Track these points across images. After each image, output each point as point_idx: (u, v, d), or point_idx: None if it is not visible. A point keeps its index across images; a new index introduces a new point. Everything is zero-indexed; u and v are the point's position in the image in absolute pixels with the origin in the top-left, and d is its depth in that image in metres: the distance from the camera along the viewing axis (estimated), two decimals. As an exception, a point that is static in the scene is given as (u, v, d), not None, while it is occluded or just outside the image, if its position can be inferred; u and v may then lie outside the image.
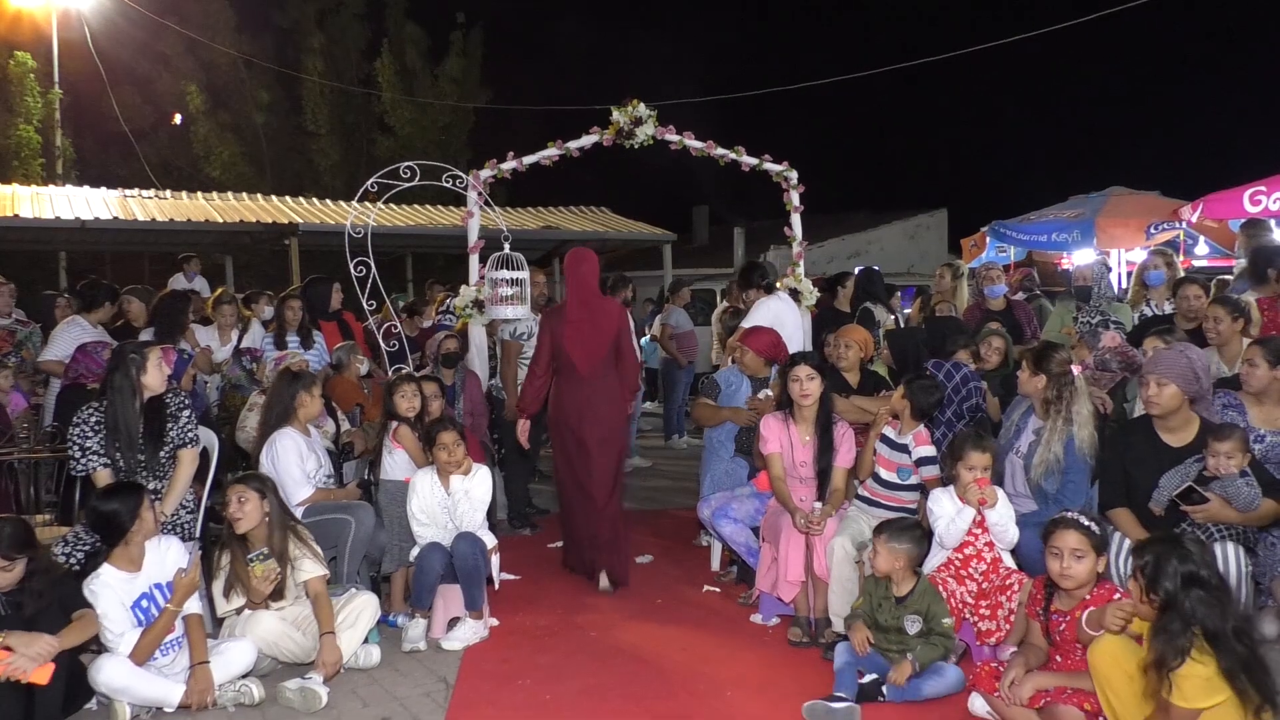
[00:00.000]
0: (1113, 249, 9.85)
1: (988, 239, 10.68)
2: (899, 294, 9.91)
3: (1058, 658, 3.57)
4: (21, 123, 18.70)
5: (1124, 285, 8.49)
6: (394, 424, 5.31)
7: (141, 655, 3.84)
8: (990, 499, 4.12)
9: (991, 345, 5.76)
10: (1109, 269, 6.98)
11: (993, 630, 4.07)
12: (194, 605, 4.06)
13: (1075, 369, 4.61)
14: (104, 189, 14.55)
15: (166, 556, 4.06)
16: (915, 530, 4.11)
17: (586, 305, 5.48)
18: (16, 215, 11.99)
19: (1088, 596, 3.47)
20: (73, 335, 6.25)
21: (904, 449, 4.75)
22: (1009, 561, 4.24)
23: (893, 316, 7.25)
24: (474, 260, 7.14)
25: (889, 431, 4.85)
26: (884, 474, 4.80)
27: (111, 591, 3.88)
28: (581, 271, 5.54)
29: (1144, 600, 3.07)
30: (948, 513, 4.20)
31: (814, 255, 20.15)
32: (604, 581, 5.45)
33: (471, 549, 4.76)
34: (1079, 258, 9.75)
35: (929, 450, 4.72)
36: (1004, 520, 4.14)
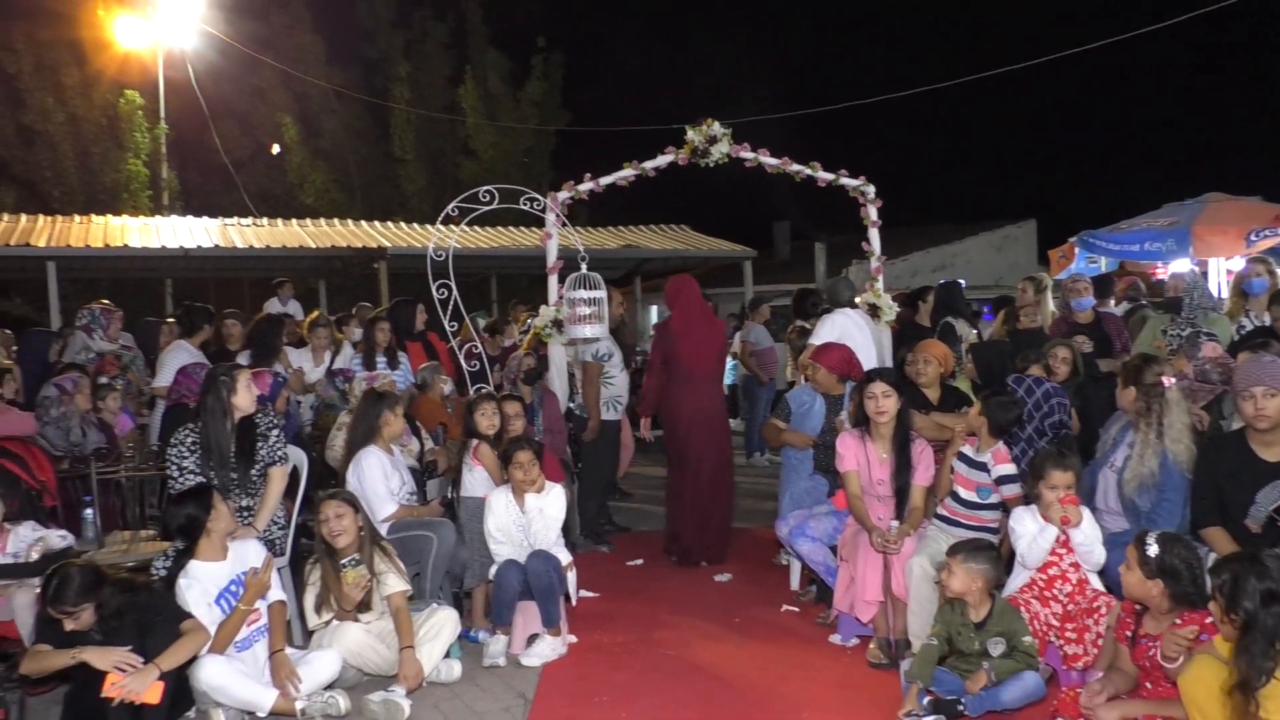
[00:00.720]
0: (1210, 258, 9.46)
1: (1076, 250, 10.35)
2: (983, 308, 9.72)
3: (1148, 684, 3.45)
4: (131, 157, 19.71)
5: (1222, 295, 8.16)
6: (474, 442, 5.43)
7: (219, 646, 4.00)
8: (1074, 518, 4.01)
9: (1058, 357, 5.59)
10: (1204, 278, 6.70)
11: (1079, 654, 3.95)
12: (277, 592, 4.24)
13: (1167, 381, 4.44)
14: (206, 218, 15.21)
15: (248, 554, 4.25)
16: (992, 551, 4.03)
17: (696, 320, 6.50)
18: (126, 245, 12.62)
19: (1178, 621, 3.35)
20: (179, 360, 6.54)
21: (983, 467, 4.64)
22: (1096, 583, 4.11)
23: (975, 331, 7.09)
24: (553, 280, 7.26)
25: (967, 449, 4.75)
26: (963, 493, 4.70)
27: (199, 585, 4.07)
28: (685, 295, 6.62)
29: (1225, 620, 2.96)
30: (1030, 531, 4.10)
31: (897, 269, 19.88)
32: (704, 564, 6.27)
33: (545, 566, 4.83)
34: (1174, 268, 9.41)
35: (1009, 468, 4.59)
36: (1089, 540, 4.02)
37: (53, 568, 3.78)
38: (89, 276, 15.64)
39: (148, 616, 3.86)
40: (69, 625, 3.71)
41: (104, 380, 6.80)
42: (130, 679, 3.58)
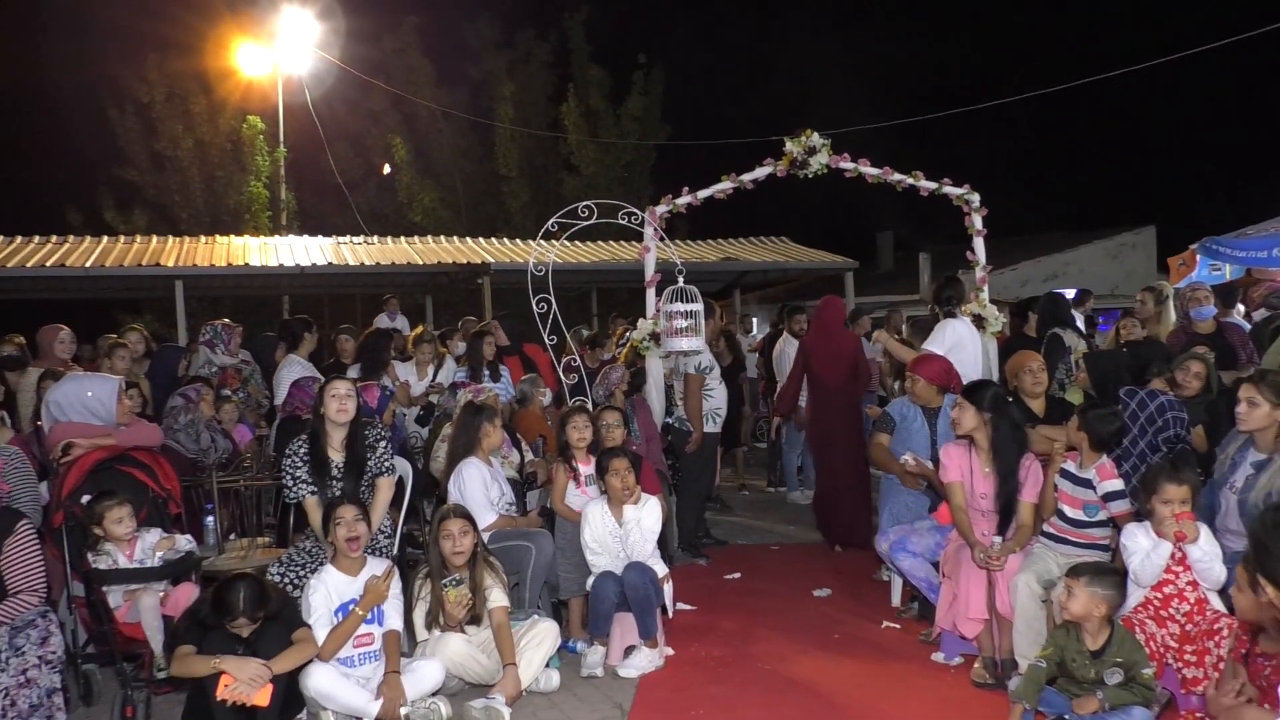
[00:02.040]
0: (1346, 263, 8.93)
1: (1198, 257, 9.89)
2: (1099, 319, 9.36)
3: (1265, 706, 3.26)
4: (252, 180, 20.75)
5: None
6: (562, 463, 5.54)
7: (327, 652, 4.14)
8: (1190, 533, 3.82)
9: (1190, 371, 5.31)
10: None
11: (1199, 678, 3.76)
12: (395, 622, 4.35)
13: None
14: (320, 237, 15.85)
15: (374, 570, 4.39)
16: (1117, 576, 3.83)
17: (829, 338, 7.40)
18: (247, 264, 13.26)
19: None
20: (292, 374, 6.84)
21: (1087, 484, 4.45)
22: (1216, 604, 3.91)
23: (1083, 341, 6.81)
24: (650, 294, 7.32)
25: (1070, 465, 4.57)
26: (1069, 510, 4.52)
27: (326, 590, 4.27)
28: (822, 315, 7.58)
29: None
30: (1143, 548, 3.92)
31: (1006, 279, 19.33)
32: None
33: (641, 578, 4.85)
34: (1306, 274, 8.89)
35: (1116, 484, 4.39)
36: (1208, 557, 3.82)
37: (221, 581, 3.90)
38: (213, 294, 16.47)
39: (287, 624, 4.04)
40: (244, 633, 3.85)
41: (225, 393, 7.14)
42: (238, 684, 3.71)
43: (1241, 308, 7.95)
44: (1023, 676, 3.87)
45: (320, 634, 4.15)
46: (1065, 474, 4.55)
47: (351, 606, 4.24)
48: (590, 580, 5.02)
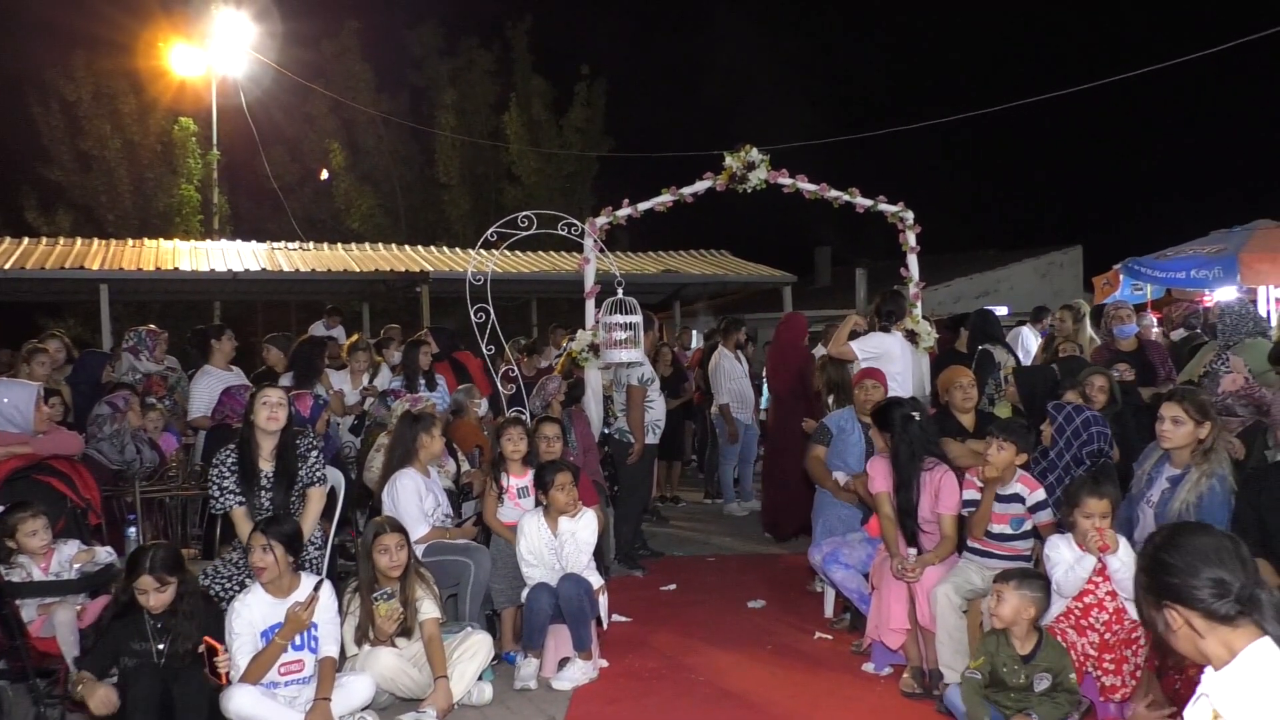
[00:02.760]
0: (1259, 285, 9.29)
1: (1121, 277, 10.21)
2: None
3: (1175, 710, 3.37)
4: (183, 182, 20.27)
5: (1271, 323, 7.98)
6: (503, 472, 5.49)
7: (250, 678, 4.01)
8: (1112, 544, 3.93)
9: (1094, 385, 5.48)
10: (1248, 305, 6.53)
11: (1117, 686, 3.87)
12: (330, 648, 4.21)
13: None
14: (254, 242, 15.54)
15: (299, 592, 4.26)
16: (1044, 580, 3.95)
17: (780, 350, 8.00)
18: (177, 268, 12.94)
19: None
20: (204, 386, 6.72)
21: (1012, 499, 4.56)
22: (1134, 613, 4.01)
23: (1012, 358, 6.98)
24: (590, 305, 7.31)
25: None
26: (995, 527, 4.61)
27: (250, 612, 4.11)
28: (780, 331, 8.22)
29: None
30: (1066, 560, 4.02)
31: (940, 295, 19.73)
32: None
33: (576, 590, 4.83)
34: (1220, 295, 9.23)
35: (1040, 495, 4.52)
36: (1125, 568, 3.93)
37: (138, 548, 3.95)
38: (141, 299, 16.05)
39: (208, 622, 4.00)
40: (152, 601, 3.86)
41: (150, 400, 6.96)
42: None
43: (1154, 324, 8.19)
44: (964, 693, 3.88)
45: (242, 660, 4.03)
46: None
47: (277, 629, 4.13)
48: (525, 592, 4.98)
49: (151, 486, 5.74)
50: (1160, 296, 10.71)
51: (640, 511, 7.51)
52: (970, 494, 4.64)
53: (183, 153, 20.23)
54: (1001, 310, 9.82)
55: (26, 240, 13.93)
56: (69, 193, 19.81)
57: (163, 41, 20.18)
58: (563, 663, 4.88)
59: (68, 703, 4.17)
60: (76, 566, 4.43)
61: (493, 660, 4.72)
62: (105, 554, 4.58)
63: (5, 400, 4.74)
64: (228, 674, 3.87)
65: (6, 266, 11.79)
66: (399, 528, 4.62)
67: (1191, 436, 4.21)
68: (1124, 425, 5.22)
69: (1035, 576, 3.95)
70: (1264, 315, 8.23)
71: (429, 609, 4.49)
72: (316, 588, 4.22)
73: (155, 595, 3.87)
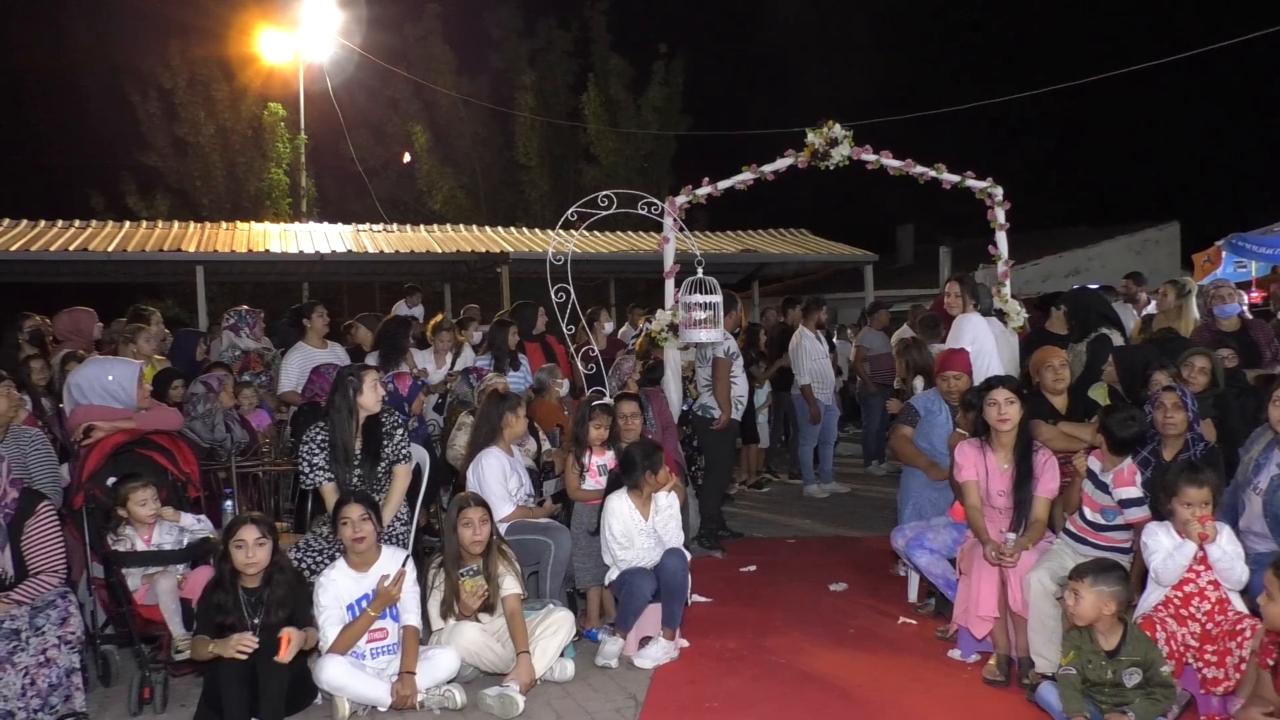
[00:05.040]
0: (1375, 261, 8.82)
1: (1223, 254, 9.80)
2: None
3: (1291, 716, 3.23)
4: (273, 167, 20.83)
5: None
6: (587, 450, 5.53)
7: (339, 648, 4.17)
8: (1211, 534, 3.78)
9: (1195, 366, 5.22)
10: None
11: (1220, 679, 3.72)
12: (412, 618, 4.35)
13: None
14: (340, 225, 15.89)
15: (387, 565, 4.39)
16: (1120, 570, 3.81)
17: None
18: (267, 250, 13.31)
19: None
20: (295, 362, 6.86)
21: (1106, 488, 4.41)
22: (1239, 604, 3.86)
23: (1122, 339, 6.62)
24: (669, 285, 7.29)
25: (1094, 466, 4.52)
26: (1089, 513, 4.47)
27: (336, 586, 4.28)
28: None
29: None
30: (1164, 547, 3.87)
31: (1028, 274, 19.16)
32: None
33: (681, 564, 4.89)
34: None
35: (1133, 491, 4.33)
36: (1228, 557, 3.78)
37: (234, 518, 4.16)
38: (233, 280, 16.56)
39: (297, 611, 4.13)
40: (250, 556, 4.03)
41: (246, 377, 7.17)
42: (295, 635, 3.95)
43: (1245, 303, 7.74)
44: (1061, 691, 3.77)
45: (331, 631, 4.18)
46: (1089, 474, 4.51)
47: (364, 605, 4.25)
48: (613, 573, 5.01)
49: (246, 462, 5.92)
50: (1266, 274, 10.24)
51: (723, 490, 7.48)
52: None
53: (272, 137, 20.79)
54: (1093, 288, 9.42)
55: (127, 224, 14.48)
56: (166, 178, 20.56)
57: (253, 29, 20.73)
58: (644, 641, 4.91)
59: (171, 667, 4.36)
60: (180, 527, 4.62)
61: (574, 637, 4.77)
62: (194, 520, 4.75)
63: (110, 378, 4.94)
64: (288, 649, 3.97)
65: (109, 249, 12.27)
66: (482, 503, 4.70)
67: None
68: (1226, 409, 4.99)
69: (1111, 569, 3.78)
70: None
71: (511, 585, 4.55)
72: (405, 562, 4.36)
73: (254, 549, 4.03)
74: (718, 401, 6.95)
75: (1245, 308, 7.93)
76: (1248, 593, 3.86)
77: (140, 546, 4.56)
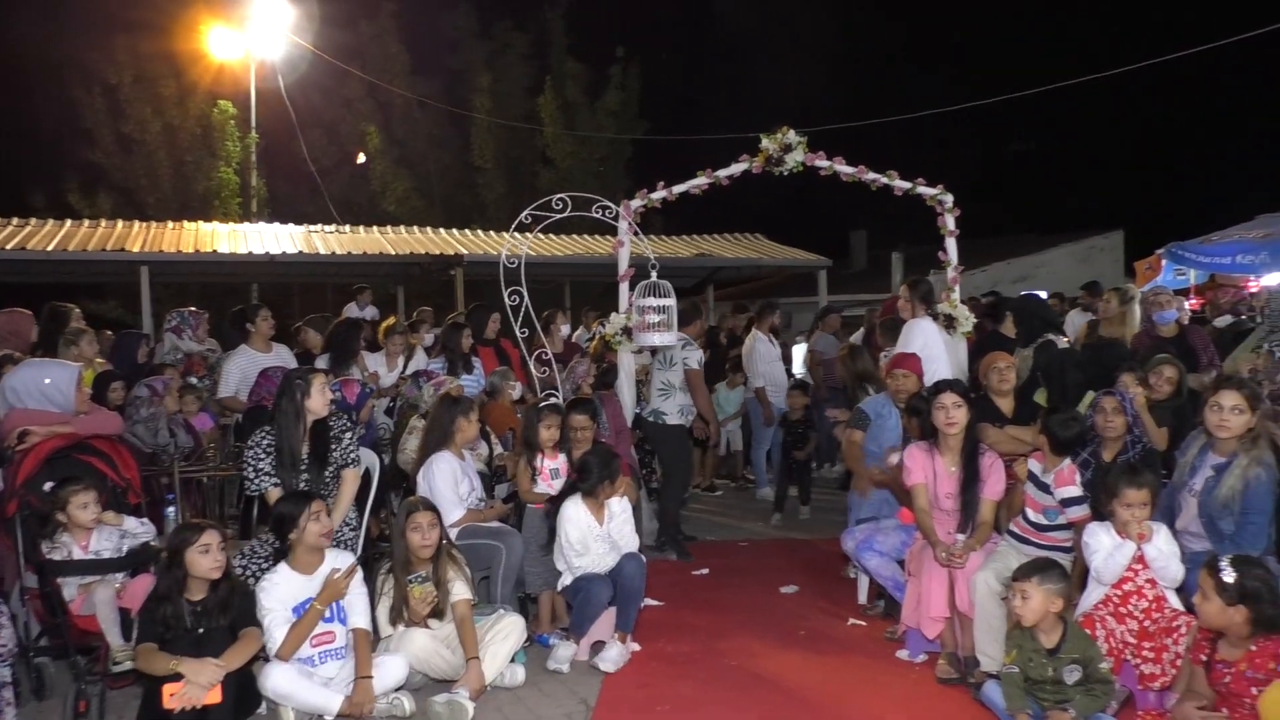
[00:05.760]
0: (1308, 271, 9.07)
1: (1164, 262, 10.03)
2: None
3: (1224, 710, 3.30)
4: (222, 166, 20.47)
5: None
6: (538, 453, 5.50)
7: (286, 651, 4.07)
8: (1147, 533, 3.87)
9: (1163, 375, 5.37)
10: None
11: (1157, 674, 3.81)
12: (360, 620, 4.27)
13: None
14: (291, 225, 15.66)
15: (335, 563, 4.31)
16: (1059, 568, 3.89)
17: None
18: (215, 251, 13.09)
19: (1253, 648, 3.21)
20: (237, 365, 6.72)
21: (1048, 488, 4.50)
22: (1175, 602, 3.95)
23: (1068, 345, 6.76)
24: (624, 288, 7.28)
25: (1035, 468, 4.61)
26: (1031, 514, 4.56)
27: (279, 590, 4.17)
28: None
29: None
30: (1105, 547, 3.96)
31: (977, 280, 19.43)
32: None
33: (640, 569, 4.93)
34: (1267, 281, 9.03)
35: (1073, 490, 4.44)
36: (1164, 556, 3.88)
37: (183, 523, 4.05)
38: (180, 281, 16.27)
39: (239, 619, 4.01)
40: (211, 562, 3.91)
41: (192, 380, 7.04)
42: (189, 687, 3.69)
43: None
44: (1004, 688, 3.84)
45: (279, 633, 4.08)
46: (1031, 476, 4.59)
47: (309, 603, 4.17)
48: (566, 579, 4.99)
49: (190, 467, 5.81)
50: (1204, 282, 10.50)
51: (682, 495, 7.46)
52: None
53: (221, 136, 20.43)
54: (1041, 294, 9.60)
55: (69, 222, 14.14)
56: (110, 175, 20.10)
57: (202, 25, 20.34)
58: (596, 646, 4.89)
59: (109, 679, 4.24)
60: (109, 527, 4.50)
61: (526, 642, 4.74)
62: (137, 524, 4.64)
63: (47, 380, 4.80)
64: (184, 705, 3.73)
65: (49, 248, 11.98)
66: (431, 507, 4.65)
67: (1247, 426, 4.12)
68: (1182, 418, 5.10)
69: (1053, 567, 3.87)
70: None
71: (460, 590, 4.51)
72: (355, 562, 4.32)
73: (218, 554, 3.95)
74: (700, 412, 7.02)
75: (1186, 314, 8.12)
76: (1183, 591, 3.95)
77: (78, 554, 4.44)
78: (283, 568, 4.26)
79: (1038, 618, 3.75)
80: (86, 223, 14.38)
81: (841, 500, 7.20)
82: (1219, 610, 3.29)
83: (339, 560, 4.32)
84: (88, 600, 4.34)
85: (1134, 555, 3.92)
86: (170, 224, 14.76)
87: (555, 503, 5.15)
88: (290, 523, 4.22)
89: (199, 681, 3.70)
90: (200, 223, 15.40)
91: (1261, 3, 11.20)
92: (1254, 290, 9.58)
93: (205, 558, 3.95)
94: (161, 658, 3.76)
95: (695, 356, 6.98)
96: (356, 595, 4.29)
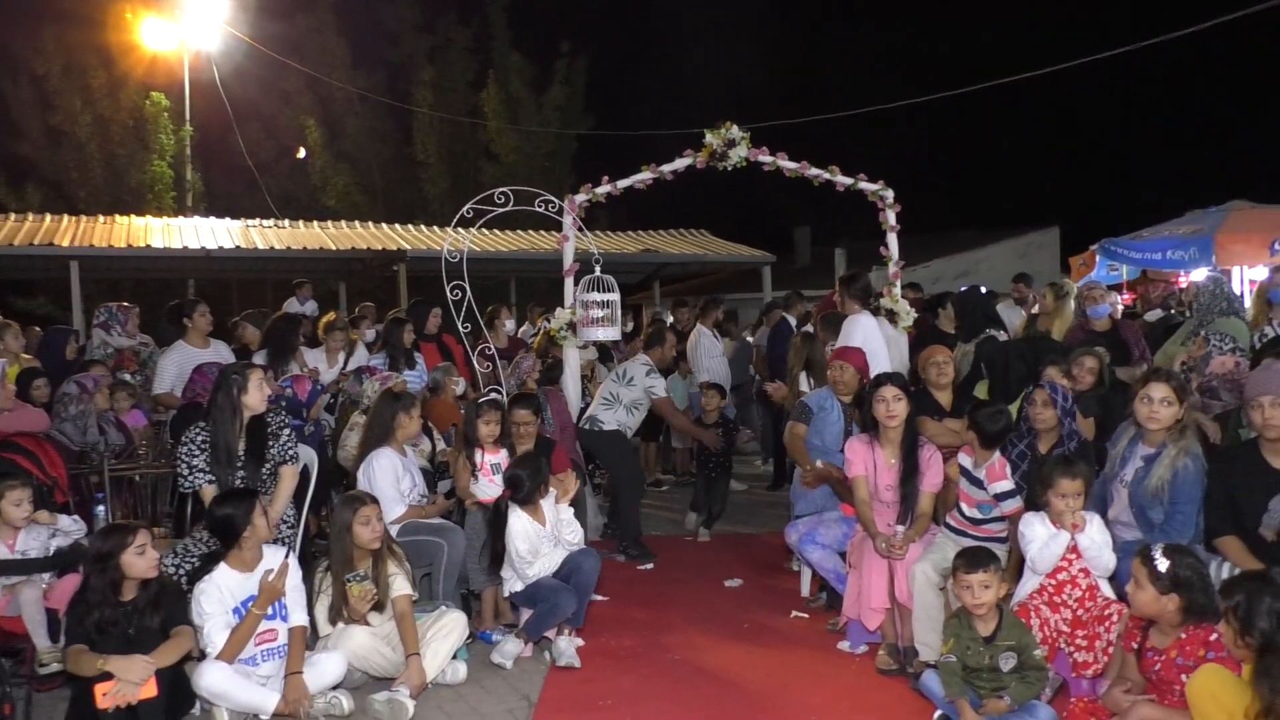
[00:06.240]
0: (1233, 266, 9.36)
1: (1097, 257, 10.27)
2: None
3: (1153, 697, 3.39)
4: (156, 159, 19.92)
5: (1245, 303, 8.03)
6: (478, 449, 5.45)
7: (229, 654, 3.98)
8: (1081, 523, 3.96)
9: (1084, 365, 5.48)
10: (1222, 284, 6.52)
11: (1090, 662, 3.88)
12: (299, 617, 4.20)
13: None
14: (229, 220, 15.31)
15: (271, 562, 4.21)
16: (995, 556, 3.96)
17: None
18: (149, 245, 12.74)
19: (1183, 636, 3.29)
20: (173, 361, 6.53)
21: (981, 483, 4.58)
22: (1107, 590, 4.04)
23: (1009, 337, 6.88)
24: (569, 283, 7.26)
25: (966, 462, 4.69)
26: (965, 509, 4.64)
27: (219, 592, 4.05)
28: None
29: (1240, 644, 2.90)
30: (1040, 537, 4.03)
31: (919, 275, 19.71)
32: None
33: (596, 565, 4.94)
34: (1196, 276, 9.30)
35: (1005, 485, 4.52)
36: (1096, 545, 3.96)
37: (113, 524, 3.94)
38: (112, 277, 15.83)
39: (170, 618, 3.90)
40: (145, 562, 3.82)
41: (124, 376, 6.85)
42: (122, 685, 3.59)
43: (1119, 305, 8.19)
44: (943, 677, 3.87)
45: (219, 638, 3.98)
46: (963, 471, 4.68)
47: (249, 606, 4.08)
48: (515, 584, 4.92)
49: (120, 465, 5.65)
50: (1136, 277, 10.78)
51: (639, 498, 7.32)
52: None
53: (155, 128, 19.87)
54: (983, 289, 9.79)
55: (-5, 216, 13.67)
56: (39, 168, 19.44)
57: (133, 15, 19.78)
58: (541, 641, 4.86)
59: (34, 682, 4.12)
60: (50, 528, 4.36)
61: (468, 639, 4.69)
62: (70, 521, 4.51)
63: (-32, 377, 4.65)
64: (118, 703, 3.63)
65: (-26, 242, 11.58)
66: (374, 499, 4.58)
67: (1175, 417, 4.23)
68: (1108, 407, 5.22)
69: (988, 554, 3.92)
70: (1238, 295, 8.30)
71: (401, 586, 4.45)
72: (287, 556, 4.23)
73: (152, 554, 3.86)
74: (683, 434, 7.30)
75: (1119, 308, 8.34)
76: (1116, 579, 4.04)
77: (3, 554, 4.30)
78: (221, 568, 4.14)
79: (990, 603, 3.80)
80: (14, 216, 13.88)
81: (783, 494, 7.26)
82: (1152, 599, 3.37)
83: (277, 555, 4.23)
84: (12, 601, 4.20)
85: (1068, 545, 4.01)
86: (102, 218, 14.34)
87: (494, 511, 5.07)
88: (240, 523, 4.08)
89: (129, 679, 3.60)
90: (133, 217, 14.99)
91: (1194, 2, 11.51)
92: (1183, 285, 9.87)
93: (141, 559, 3.84)
94: (90, 658, 3.65)
95: (660, 385, 6.90)
96: (294, 589, 4.21)
